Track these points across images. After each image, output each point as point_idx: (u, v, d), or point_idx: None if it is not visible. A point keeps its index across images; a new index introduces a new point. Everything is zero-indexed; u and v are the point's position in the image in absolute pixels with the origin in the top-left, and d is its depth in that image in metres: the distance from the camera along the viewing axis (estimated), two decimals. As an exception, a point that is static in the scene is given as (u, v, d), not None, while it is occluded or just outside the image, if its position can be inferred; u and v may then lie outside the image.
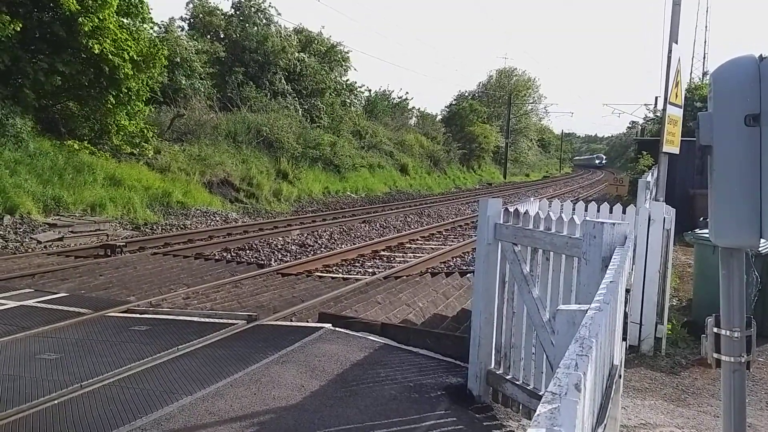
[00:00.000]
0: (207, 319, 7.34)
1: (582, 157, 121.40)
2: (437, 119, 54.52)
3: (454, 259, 13.20)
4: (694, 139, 2.35)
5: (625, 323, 2.98)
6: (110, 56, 17.62)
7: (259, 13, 34.22)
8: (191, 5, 33.58)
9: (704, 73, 43.61)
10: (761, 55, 2.27)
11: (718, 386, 5.60)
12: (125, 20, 19.28)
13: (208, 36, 31.66)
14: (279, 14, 35.37)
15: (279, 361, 5.71)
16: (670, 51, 7.17)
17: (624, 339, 3.10)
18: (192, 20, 33.37)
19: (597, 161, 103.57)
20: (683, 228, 8.70)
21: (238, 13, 33.72)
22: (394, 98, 48.68)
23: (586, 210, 6.96)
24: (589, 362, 1.39)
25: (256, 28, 32.55)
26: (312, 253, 13.57)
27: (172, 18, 28.98)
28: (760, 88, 2.18)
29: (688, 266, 10.91)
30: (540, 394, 4.28)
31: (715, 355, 2.38)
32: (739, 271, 2.31)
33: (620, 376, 2.52)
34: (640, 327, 6.44)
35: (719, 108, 2.23)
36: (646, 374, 5.97)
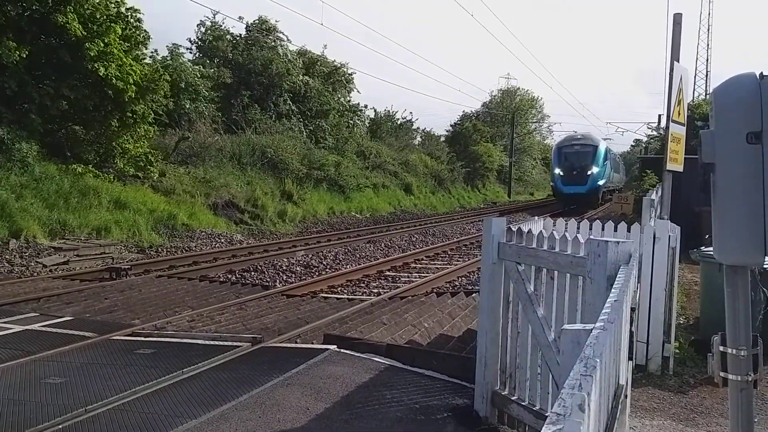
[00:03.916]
0: (212, 342, 7.32)
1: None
2: (441, 139, 54.69)
3: (460, 279, 13.15)
4: (698, 156, 2.35)
5: (631, 342, 2.96)
6: (115, 80, 17.79)
7: (269, 36, 34.48)
8: (201, 29, 33.89)
9: (707, 93, 43.94)
10: (761, 72, 2.27)
11: (726, 405, 5.55)
12: (126, 44, 19.50)
13: (215, 60, 31.92)
14: (289, 41, 35.63)
15: (284, 384, 5.68)
16: (671, 69, 7.19)
17: (630, 358, 3.08)
18: (200, 44, 33.66)
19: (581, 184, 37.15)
20: (689, 245, 8.66)
21: (249, 35, 33.96)
22: (398, 119, 48.91)
23: (590, 229, 6.94)
24: (593, 382, 1.38)
25: (262, 51, 32.76)
26: (317, 274, 13.54)
27: (176, 44, 29.17)
28: (761, 105, 2.19)
29: (694, 284, 10.86)
30: (546, 415, 4.23)
31: (722, 374, 2.36)
32: (743, 289, 2.30)
33: (626, 396, 2.50)
34: (647, 346, 6.40)
35: (721, 126, 2.24)
36: (654, 394, 5.91)
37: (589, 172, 35.70)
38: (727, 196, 2.20)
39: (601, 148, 36.99)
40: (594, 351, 1.59)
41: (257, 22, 34.51)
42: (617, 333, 2.14)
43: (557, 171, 36.96)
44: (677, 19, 7.74)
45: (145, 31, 20.77)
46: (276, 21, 35.20)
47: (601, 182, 36.36)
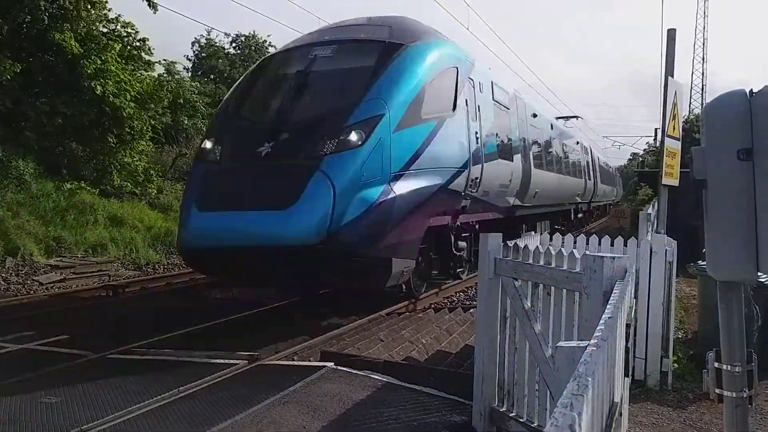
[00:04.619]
0: (208, 360, 7.29)
1: None
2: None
3: (458, 294, 13.11)
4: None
5: (628, 359, 2.96)
6: (112, 97, 17.85)
7: (259, 53, 34.70)
8: (196, 46, 34.07)
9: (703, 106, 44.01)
10: (752, 89, 2.29)
11: (725, 420, 5.52)
12: (127, 64, 19.61)
13: (212, 76, 32.05)
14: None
15: (281, 402, 5.65)
16: (666, 84, 7.23)
17: (627, 375, 3.08)
18: (196, 61, 33.84)
19: None
20: (687, 259, 8.66)
21: (238, 51, 34.13)
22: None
23: (587, 243, 6.94)
24: (585, 401, 1.38)
25: (255, 66, 32.94)
26: (314, 290, 13.46)
27: (173, 62, 29.35)
28: (751, 122, 2.20)
29: (692, 298, 10.84)
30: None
31: (717, 391, 2.35)
32: (737, 306, 2.31)
33: (620, 414, 2.49)
34: (645, 361, 6.38)
35: (712, 142, 2.25)
36: (653, 409, 5.89)
37: (326, 165, 8.47)
38: (719, 212, 2.21)
39: (423, 55, 10.15)
40: (587, 369, 1.58)
41: (247, 37, 34.62)
42: (611, 350, 2.14)
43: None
44: (671, 34, 7.80)
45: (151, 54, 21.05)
46: (268, 35, 35.35)
47: (379, 192, 8.67)
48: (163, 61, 28.12)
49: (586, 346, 1.92)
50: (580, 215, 24.94)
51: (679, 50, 7.79)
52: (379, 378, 6.40)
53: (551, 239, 7.15)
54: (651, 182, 18.88)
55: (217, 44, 34.33)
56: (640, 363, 6.36)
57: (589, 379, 1.47)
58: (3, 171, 15.82)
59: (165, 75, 26.99)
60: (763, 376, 3.34)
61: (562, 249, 4.46)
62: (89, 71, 17.36)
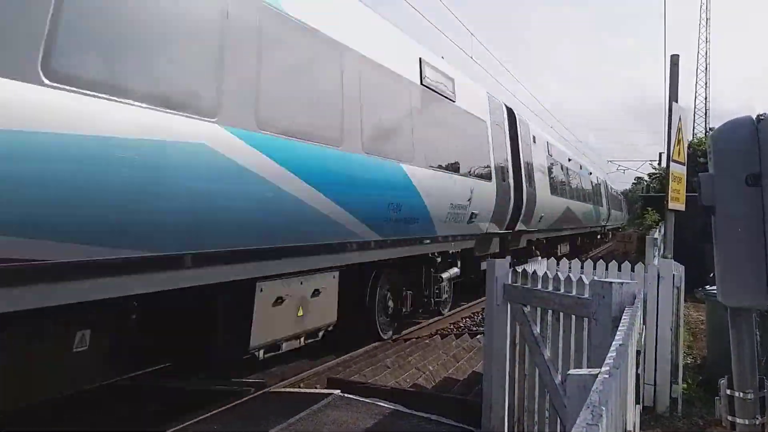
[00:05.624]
0: (215, 387, 7.25)
1: None
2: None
3: (464, 320, 13.05)
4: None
5: (638, 386, 2.94)
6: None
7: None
8: None
9: (707, 131, 43.93)
10: (758, 115, 2.30)
11: (738, 447, 5.44)
12: None
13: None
14: None
15: (287, 430, 5.61)
16: (670, 110, 7.27)
17: (637, 402, 3.05)
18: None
19: None
20: (694, 283, 8.62)
21: None
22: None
23: (594, 269, 6.93)
24: (600, 431, 1.37)
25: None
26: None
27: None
28: (759, 148, 2.21)
29: (701, 323, 10.77)
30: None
31: (730, 418, 2.33)
32: (748, 332, 2.30)
33: (634, 443, 2.47)
34: (655, 387, 6.33)
35: (720, 169, 2.26)
36: (663, 436, 5.83)
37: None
38: (728, 238, 2.21)
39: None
40: (600, 398, 1.58)
41: None
42: (623, 378, 2.13)
43: None
44: (674, 60, 7.85)
45: None
46: None
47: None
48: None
49: (598, 374, 1.91)
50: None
51: (681, 74, 7.84)
52: (386, 405, 6.36)
53: (558, 264, 7.12)
54: (657, 207, 18.94)
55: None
56: (649, 389, 6.31)
57: (603, 408, 1.47)
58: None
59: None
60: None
61: (571, 275, 4.45)
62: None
